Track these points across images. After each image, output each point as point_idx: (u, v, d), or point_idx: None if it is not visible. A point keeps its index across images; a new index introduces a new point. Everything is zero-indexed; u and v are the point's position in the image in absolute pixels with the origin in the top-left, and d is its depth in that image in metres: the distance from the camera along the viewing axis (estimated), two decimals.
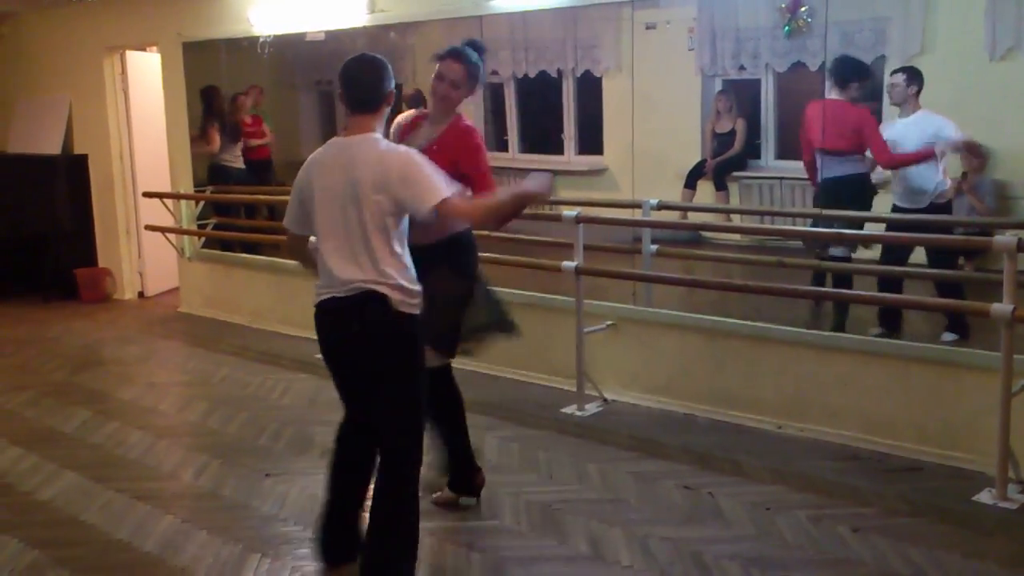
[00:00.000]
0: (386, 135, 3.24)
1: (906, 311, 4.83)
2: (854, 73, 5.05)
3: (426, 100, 5.19)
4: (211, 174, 7.91)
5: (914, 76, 4.79)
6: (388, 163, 2.97)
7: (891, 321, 4.82)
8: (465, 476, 3.93)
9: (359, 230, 2.97)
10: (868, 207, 5.03)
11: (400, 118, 3.88)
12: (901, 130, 4.87)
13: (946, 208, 4.79)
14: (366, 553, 3.03)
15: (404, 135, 3.74)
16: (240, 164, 7.88)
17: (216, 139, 7.80)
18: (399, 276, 3.00)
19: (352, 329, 3.02)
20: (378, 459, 3.15)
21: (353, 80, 3.06)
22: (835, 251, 5.13)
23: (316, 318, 3.12)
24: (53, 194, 8.63)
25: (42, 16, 8.80)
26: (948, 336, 4.63)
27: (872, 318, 4.86)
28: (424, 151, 3.26)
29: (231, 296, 7.65)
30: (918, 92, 4.76)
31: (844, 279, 5.03)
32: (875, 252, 5.05)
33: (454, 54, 3.61)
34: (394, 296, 2.98)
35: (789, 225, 5.62)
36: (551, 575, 3.43)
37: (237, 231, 7.79)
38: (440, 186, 2.97)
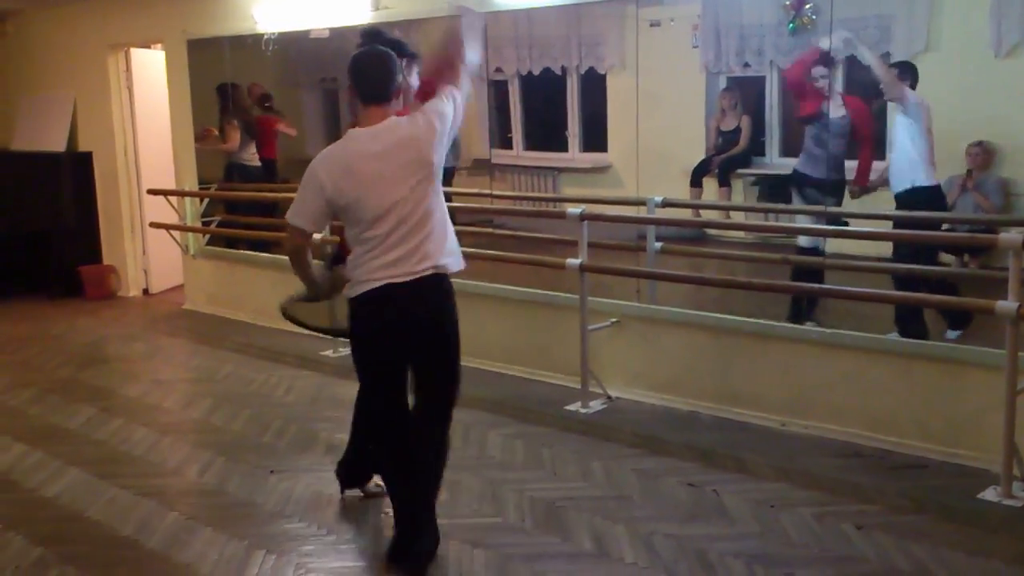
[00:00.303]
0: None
1: (926, 316, 4.73)
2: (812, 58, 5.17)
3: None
4: (228, 173, 7.86)
5: (906, 71, 4.77)
6: (428, 122, 3.14)
7: (908, 326, 4.69)
8: (361, 473, 4.03)
9: (419, 208, 3.11)
10: (787, 200, 5.25)
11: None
12: (900, 123, 4.86)
13: (934, 191, 4.72)
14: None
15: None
16: (256, 162, 7.82)
17: (235, 137, 7.72)
18: (450, 238, 3.23)
19: (417, 313, 3.17)
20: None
21: (364, 73, 3.15)
22: (803, 242, 5.13)
23: (364, 306, 3.17)
24: (58, 191, 8.65)
25: (47, 14, 8.81)
26: (951, 334, 4.62)
27: (877, 316, 4.83)
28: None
29: (235, 293, 7.65)
30: (912, 87, 4.75)
31: (817, 273, 5.04)
32: (877, 250, 5.03)
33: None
34: (448, 261, 3.20)
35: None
36: (555, 572, 3.43)
37: (241, 228, 7.78)
38: (444, 90, 3.25)
